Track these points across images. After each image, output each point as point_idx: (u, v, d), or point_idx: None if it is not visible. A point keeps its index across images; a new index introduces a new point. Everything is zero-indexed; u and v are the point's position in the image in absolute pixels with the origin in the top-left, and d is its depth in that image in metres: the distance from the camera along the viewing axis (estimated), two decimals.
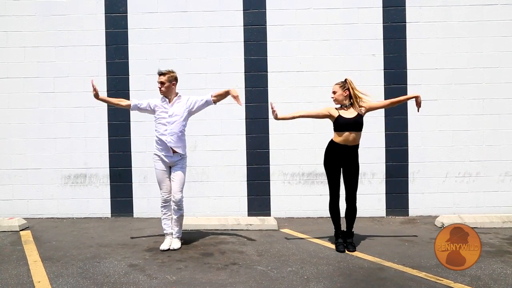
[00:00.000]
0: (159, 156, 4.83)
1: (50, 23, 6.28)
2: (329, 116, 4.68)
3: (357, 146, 4.69)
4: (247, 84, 6.31)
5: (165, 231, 4.92)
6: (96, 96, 4.89)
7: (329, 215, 4.88)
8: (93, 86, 4.81)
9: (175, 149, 4.75)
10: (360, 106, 4.64)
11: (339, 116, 4.60)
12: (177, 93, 4.87)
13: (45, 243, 5.12)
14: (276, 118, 4.71)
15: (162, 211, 4.91)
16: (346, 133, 4.58)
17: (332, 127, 4.71)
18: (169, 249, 4.76)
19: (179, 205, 4.82)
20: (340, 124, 4.59)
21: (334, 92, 4.67)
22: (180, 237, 4.97)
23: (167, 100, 4.83)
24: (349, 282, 3.86)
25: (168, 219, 4.91)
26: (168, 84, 4.78)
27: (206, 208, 6.33)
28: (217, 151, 6.32)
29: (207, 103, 4.89)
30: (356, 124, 4.57)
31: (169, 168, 4.86)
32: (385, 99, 6.23)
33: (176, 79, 4.85)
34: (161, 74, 4.78)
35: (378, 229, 5.65)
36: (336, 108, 4.71)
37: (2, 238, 5.32)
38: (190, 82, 6.16)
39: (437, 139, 6.27)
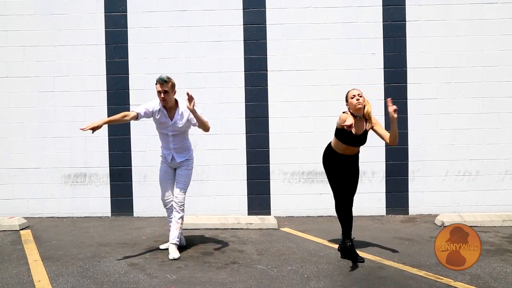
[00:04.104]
0: (164, 158, 4.74)
1: (50, 22, 6.28)
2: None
3: (356, 155, 4.49)
4: (247, 83, 6.30)
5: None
6: (97, 128, 4.27)
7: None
8: (87, 128, 4.25)
9: (176, 159, 4.61)
10: (369, 122, 4.30)
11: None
12: (176, 100, 4.54)
13: (45, 242, 5.12)
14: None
15: (167, 212, 4.81)
16: (346, 146, 4.34)
17: (334, 130, 4.40)
18: (169, 249, 4.74)
19: (180, 206, 4.60)
20: (345, 136, 4.25)
21: (359, 95, 4.19)
22: (179, 244, 4.66)
23: (167, 111, 4.51)
24: (349, 281, 3.86)
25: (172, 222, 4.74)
26: (171, 93, 4.44)
27: (206, 207, 6.33)
28: (217, 150, 6.32)
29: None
30: (360, 141, 4.33)
31: (174, 170, 4.73)
32: (385, 98, 6.23)
33: (175, 86, 4.49)
34: (164, 81, 4.35)
35: (378, 228, 5.65)
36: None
37: (2, 238, 5.33)
38: (190, 81, 6.15)
39: (437, 137, 6.27)
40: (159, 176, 4.80)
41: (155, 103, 4.52)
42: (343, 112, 4.32)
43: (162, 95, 4.39)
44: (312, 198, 6.30)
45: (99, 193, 6.36)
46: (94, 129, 4.24)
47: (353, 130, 4.15)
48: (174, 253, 4.52)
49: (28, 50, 6.30)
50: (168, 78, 4.39)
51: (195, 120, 4.48)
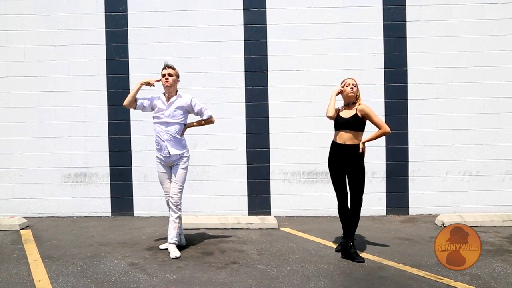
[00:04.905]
0: (158, 157, 4.75)
1: (50, 22, 6.28)
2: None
3: (355, 146, 4.47)
4: (247, 83, 6.30)
5: None
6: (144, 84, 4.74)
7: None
8: (152, 82, 4.75)
9: (170, 151, 4.62)
10: (358, 104, 4.52)
11: (338, 115, 4.56)
12: (176, 91, 4.73)
13: (46, 242, 5.12)
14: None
15: (169, 211, 4.81)
16: (341, 132, 4.50)
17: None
18: (168, 248, 4.74)
19: (176, 206, 4.65)
20: (336, 123, 4.56)
21: (354, 85, 4.49)
22: (178, 243, 4.71)
23: (165, 98, 4.69)
24: (349, 281, 3.86)
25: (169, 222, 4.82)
26: (175, 78, 4.65)
27: (206, 207, 6.34)
28: (217, 150, 6.32)
29: (198, 113, 4.79)
30: (350, 124, 4.45)
31: (170, 169, 4.75)
32: (385, 98, 6.26)
33: (179, 76, 4.76)
34: (168, 66, 4.62)
35: (378, 228, 5.65)
36: (339, 107, 4.65)
37: (2, 237, 5.33)
38: (191, 81, 6.16)
39: (437, 138, 6.27)
40: (158, 177, 4.83)
41: (154, 99, 4.78)
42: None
43: (166, 76, 4.63)
44: (312, 198, 6.30)
45: (99, 193, 6.36)
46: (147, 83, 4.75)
47: (341, 114, 4.54)
48: (174, 252, 4.54)
49: (28, 49, 6.30)
50: (174, 66, 4.68)
51: (196, 108, 4.73)
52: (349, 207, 4.53)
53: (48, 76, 6.30)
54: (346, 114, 4.55)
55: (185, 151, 4.73)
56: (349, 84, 4.52)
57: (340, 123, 4.51)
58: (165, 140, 4.63)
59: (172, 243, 4.62)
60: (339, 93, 4.58)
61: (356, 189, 4.45)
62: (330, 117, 4.55)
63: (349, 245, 4.42)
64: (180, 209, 4.69)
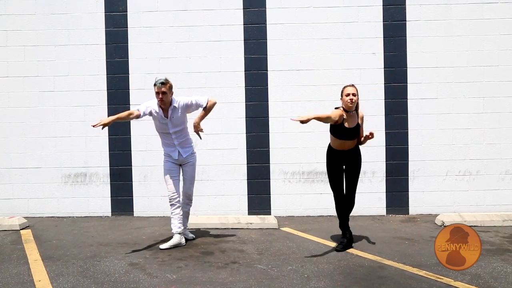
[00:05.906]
0: (168, 156, 4.87)
1: (50, 22, 6.28)
2: (337, 120, 4.45)
3: (355, 149, 4.67)
4: (247, 83, 6.30)
5: (172, 231, 4.89)
6: (107, 124, 4.40)
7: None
8: (99, 125, 4.35)
9: (183, 153, 4.82)
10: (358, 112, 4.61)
11: (342, 125, 4.48)
12: (171, 101, 4.68)
13: (46, 242, 5.12)
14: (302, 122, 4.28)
15: (170, 209, 4.89)
16: (342, 141, 4.54)
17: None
18: (169, 248, 4.76)
19: (191, 199, 5.05)
20: (339, 131, 4.49)
21: (354, 95, 4.43)
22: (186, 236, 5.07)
23: (162, 111, 4.67)
24: (350, 280, 3.86)
25: (175, 218, 4.83)
26: (169, 94, 4.62)
27: (206, 206, 6.33)
28: (217, 150, 6.32)
29: (197, 106, 4.81)
30: (354, 134, 4.54)
31: (179, 167, 4.92)
32: (385, 98, 6.26)
33: (172, 87, 4.67)
34: (162, 84, 4.52)
35: (378, 228, 5.65)
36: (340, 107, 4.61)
37: (2, 237, 5.33)
38: (190, 81, 6.16)
39: (437, 137, 6.27)
40: (165, 173, 4.88)
41: (153, 103, 4.72)
42: (335, 108, 4.57)
43: (160, 95, 4.58)
44: (312, 198, 6.30)
45: (99, 192, 6.36)
46: (104, 125, 4.38)
47: (346, 124, 4.48)
48: (172, 241, 4.82)
49: (28, 49, 6.30)
50: (166, 80, 4.59)
51: (193, 104, 4.75)
52: (346, 198, 4.69)
53: (48, 76, 6.30)
54: (350, 123, 4.53)
55: (192, 146, 4.95)
56: (348, 94, 4.44)
57: (346, 132, 4.49)
58: (176, 145, 4.80)
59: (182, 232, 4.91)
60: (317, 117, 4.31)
61: (353, 184, 4.66)
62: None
63: (347, 236, 4.70)
64: (192, 200, 5.09)
